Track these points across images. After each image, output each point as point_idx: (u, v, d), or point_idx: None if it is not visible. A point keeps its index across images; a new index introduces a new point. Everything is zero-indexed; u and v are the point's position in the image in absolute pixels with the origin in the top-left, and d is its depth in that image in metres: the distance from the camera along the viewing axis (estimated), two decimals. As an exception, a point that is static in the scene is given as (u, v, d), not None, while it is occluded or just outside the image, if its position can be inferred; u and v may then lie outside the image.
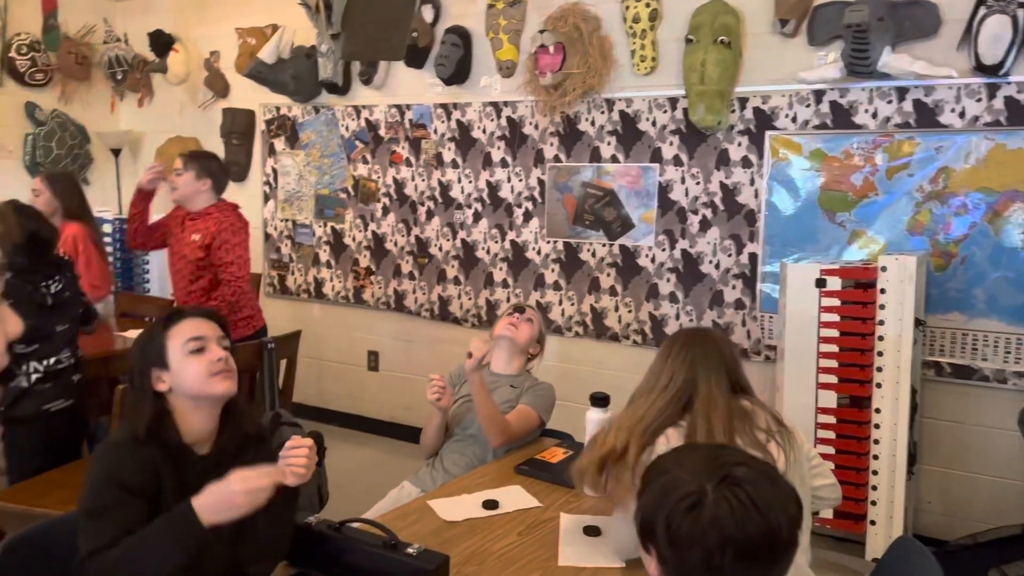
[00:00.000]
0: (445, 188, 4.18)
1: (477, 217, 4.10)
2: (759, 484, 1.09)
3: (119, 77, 5.06)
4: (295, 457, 1.53)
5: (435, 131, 4.17)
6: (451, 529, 1.90)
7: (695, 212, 3.52)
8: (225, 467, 1.58)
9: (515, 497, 2.10)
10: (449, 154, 4.14)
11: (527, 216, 3.95)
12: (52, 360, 2.74)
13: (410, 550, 1.55)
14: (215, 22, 4.80)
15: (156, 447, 1.55)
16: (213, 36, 4.82)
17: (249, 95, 4.68)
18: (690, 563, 1.08)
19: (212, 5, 4.85)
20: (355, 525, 1.66)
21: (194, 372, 1.57)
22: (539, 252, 3.94)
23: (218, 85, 4.81)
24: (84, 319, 2.97)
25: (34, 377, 2.69)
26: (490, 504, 2.03)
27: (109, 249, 4.43)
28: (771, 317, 3.36)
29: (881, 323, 2.86)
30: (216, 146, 4.79)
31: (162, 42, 4.82)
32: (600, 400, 2.13)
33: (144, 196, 3.51)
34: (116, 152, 5.10)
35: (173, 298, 3.90)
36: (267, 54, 4.27)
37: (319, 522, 1.65)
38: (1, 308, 0.56)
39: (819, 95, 3.23)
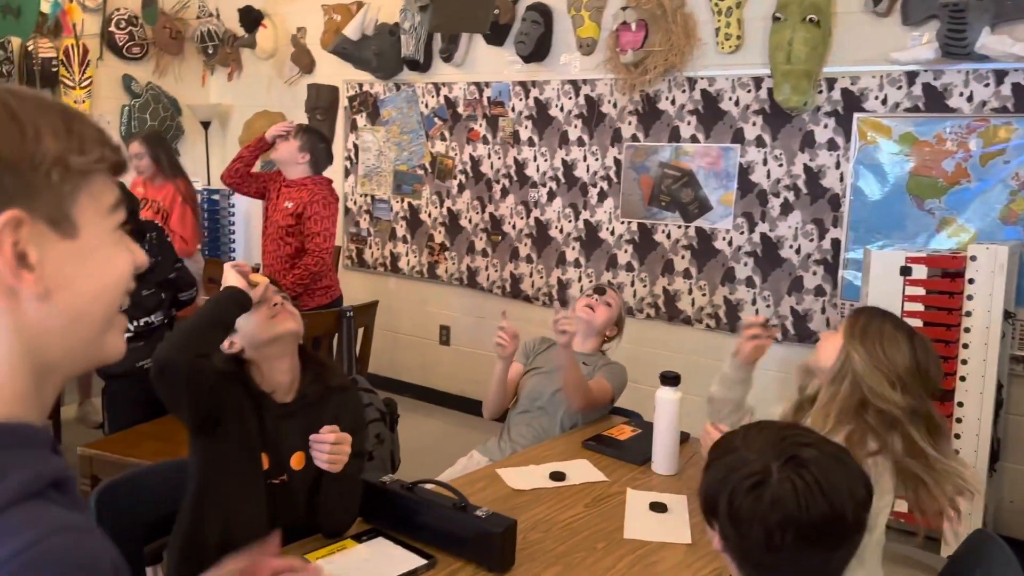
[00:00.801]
0: (521, 166, 4.19)
1: (551, 196, 4.10)
2: (826, 466, 1.08)
3: (210, 52, 5.23)
4: (317, 452, 1.60)
5: (513, 109, 4.19)
6: (518, 497, 1.94)
7: (776, 195, 3.45)
8: (307, 415, 1.66)
9: (582, 470, 2.12)
10: (526, 132, 4.16)
11: (602, 196, 3.94)
12: (142, 322, 2.88)
13: (479, 512, 1.59)
14: (302, -2, 4.91)
15: (241, 388, 1.63)
16: (300, 12, 4.94)
17: (333, 71, 4.78)
18: (751, 541, 1.08)
19: (300, -18, 4.96)
20: (427, 486, 1.71)
21: (256, 320, 1.64)
22: (612, 232, 3.92)
23: (304, 61, 4.93)
24: (176, 284, 3.02)
25: (125, 336, 2.84)
26: (557, 476, 2.06)
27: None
28: (852, 305, 3.27)
29: (968, 314, 2.76)
30: (300, 120, 4.91)
31: (251, 18, 4.96)
32: (671, 379, 2.12)
33: (261, 145, 3.63)
34: (206, 125, 5.28)
35: (257, 265, 4.04)
36: (352, 31, 4.35)
37: (392, 482, 1.71)
38: (126, 239, 0.64)
39: (911, 77, 3.11)
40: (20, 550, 0.55)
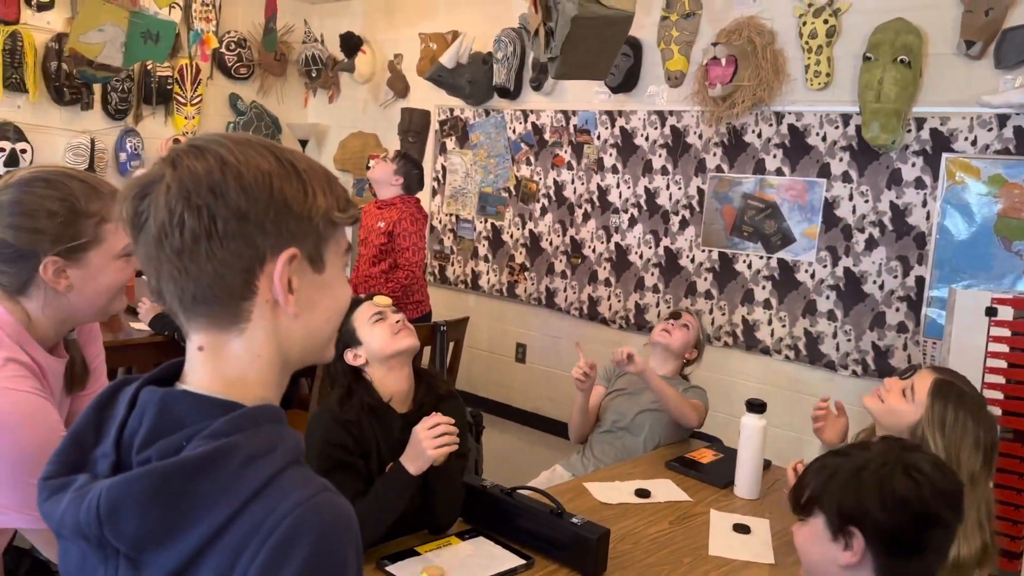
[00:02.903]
0: (603, 192, 4.31)
1: (632, 222, 4.21)
2: (936, 458, 1.27)
3: (313, 75, 5.51)
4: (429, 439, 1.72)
5: (598, 137, 4.31)
6: (606, 510, 2.04)
7: (861, 230, 3.48)
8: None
9: (666, 489, 2.21)
10: (610, 159, 4.28)
11: (683, 224, 4.02)
12: None
13: (575, 520, 1.70)
14: (401, 27, 5.15)
15: (361, 411, 1.78)
16: (398, 40, 5.18)
17: (426, 96, 5.00)
18: (902, 525, 1.17)
19: (399, 10, 5.21)
20: (524, 492, 1.83)
21: (380, 336, 1.81)
22: (692, 260, 4.00)
23: (399, 86, 5.16)
24: None
25: None
26: (642, 493, 2.15)
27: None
28: (935, 343, 3.28)
29: (1056, 358, 2.75)
30: (393, 142, 5.15)
31: (351, 43, 5.22)
32: (757, 407, 2.20)
33: None
34: (304, 143, 5.56)
35: (348, 279, 4.26)
36: (448, 59, 4.55)
37: (492, 486, 1.83)
38: (345, 275, 0.83)
39: (1003, 119, 3.13)
40: (302, 500, 0.71)
